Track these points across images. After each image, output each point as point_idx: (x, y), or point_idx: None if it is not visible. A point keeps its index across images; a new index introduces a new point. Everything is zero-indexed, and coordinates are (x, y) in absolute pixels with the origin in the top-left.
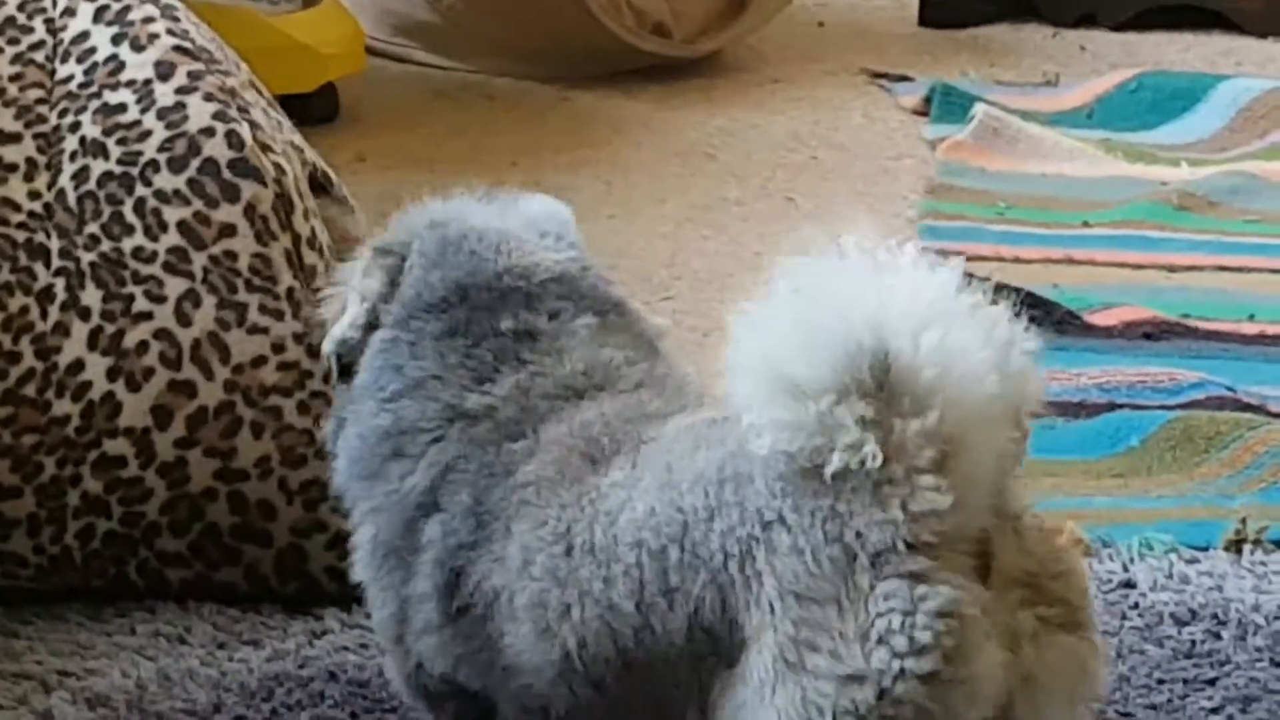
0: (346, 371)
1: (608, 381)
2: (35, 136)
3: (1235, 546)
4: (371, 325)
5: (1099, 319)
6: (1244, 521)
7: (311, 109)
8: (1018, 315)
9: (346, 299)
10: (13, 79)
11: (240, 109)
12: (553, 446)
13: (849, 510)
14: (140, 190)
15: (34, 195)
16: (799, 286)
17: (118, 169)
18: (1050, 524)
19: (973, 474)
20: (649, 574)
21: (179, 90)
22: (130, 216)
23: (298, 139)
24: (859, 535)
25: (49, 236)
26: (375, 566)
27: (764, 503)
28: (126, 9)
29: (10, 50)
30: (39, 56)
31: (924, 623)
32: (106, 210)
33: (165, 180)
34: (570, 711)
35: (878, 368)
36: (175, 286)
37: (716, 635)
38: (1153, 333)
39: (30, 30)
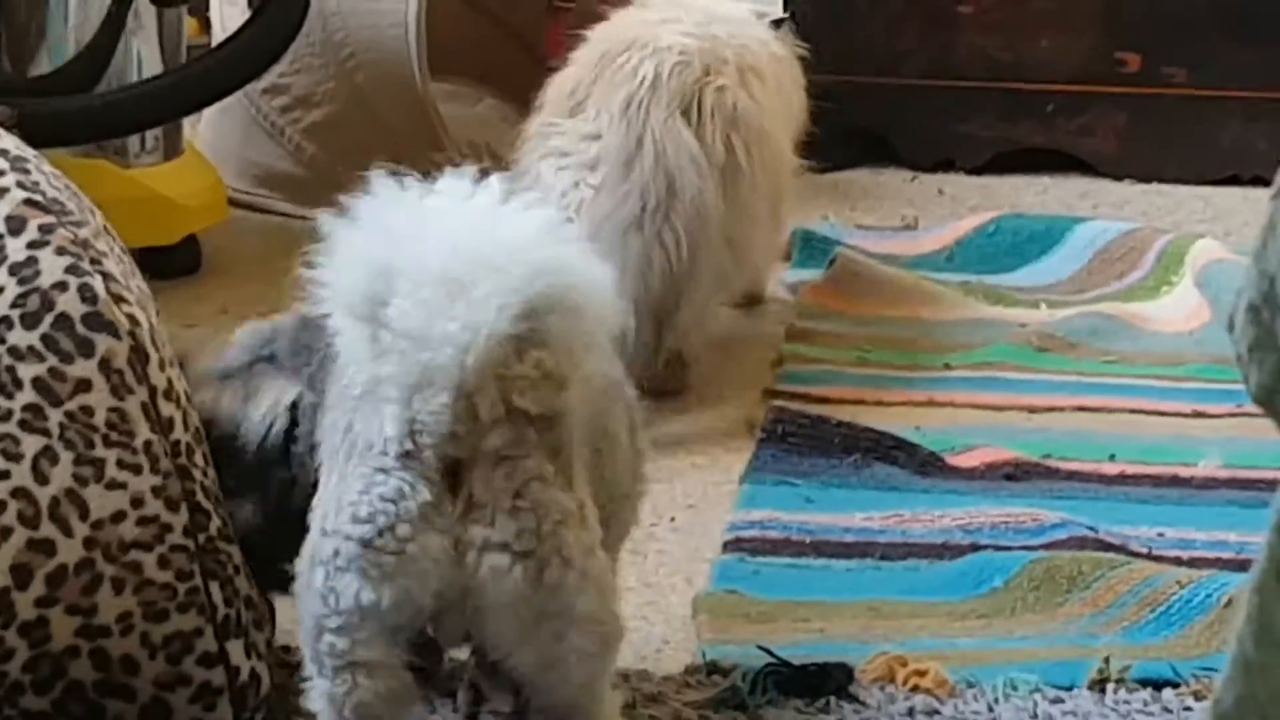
0: None
1: None
2: None
3: (1099, 685)
4: None
5: (961, 460)
6: (1107, 660)
7: (174, 261)
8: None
9: None
10: None
11: (93, 260)
12: None
13: (360, 409)
14: None
15: None
16: (379, 211)
17: None
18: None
19: (418, 417)
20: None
21: (30, 245)
22: None
23: (145, 287)
24: (356, 431)
25: None
26: None
27: (345, 380)
28: None
29: None
30: None
31: (368, 500)
32: None
33: (19, 337)
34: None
35: (373, 309)
36: (32, 444)
37: None
38: (1014, 474)
39: None
